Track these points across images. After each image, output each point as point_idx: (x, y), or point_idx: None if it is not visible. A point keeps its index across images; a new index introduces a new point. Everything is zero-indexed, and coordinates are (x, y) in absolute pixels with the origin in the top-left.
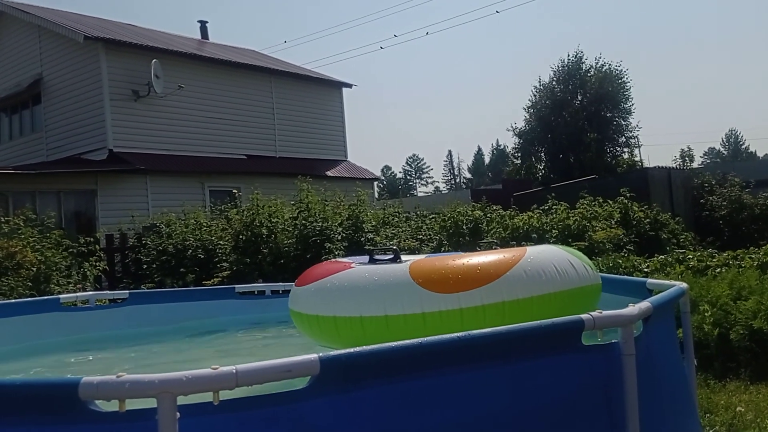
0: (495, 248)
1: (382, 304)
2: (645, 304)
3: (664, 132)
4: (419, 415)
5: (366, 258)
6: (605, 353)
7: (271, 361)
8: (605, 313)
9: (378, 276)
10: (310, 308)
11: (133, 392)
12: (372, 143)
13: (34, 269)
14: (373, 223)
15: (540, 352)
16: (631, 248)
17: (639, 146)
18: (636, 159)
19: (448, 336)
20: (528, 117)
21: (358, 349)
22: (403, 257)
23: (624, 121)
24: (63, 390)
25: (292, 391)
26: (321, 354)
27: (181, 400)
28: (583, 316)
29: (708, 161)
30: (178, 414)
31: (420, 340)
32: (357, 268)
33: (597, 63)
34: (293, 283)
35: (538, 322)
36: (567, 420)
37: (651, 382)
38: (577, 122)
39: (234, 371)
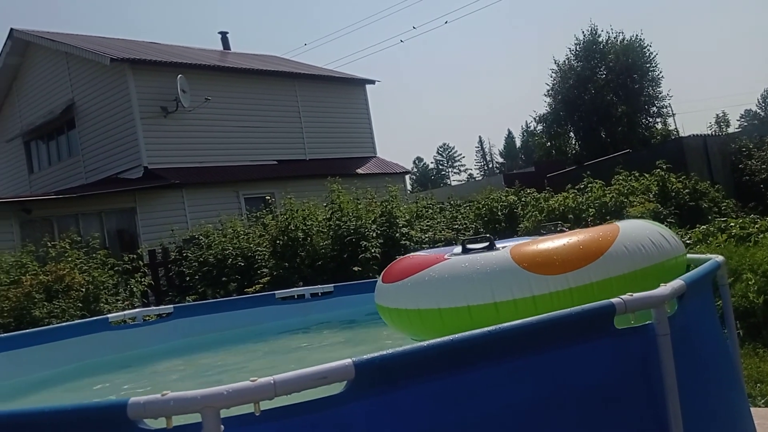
0: (560, 229)
1: (490, 291)
2: (678, 283)
3: (697, 98)
4: (456, 411)
5: (458, 248)
6: (640, 335)
7: (307, 369)
8: (636, 295)
9: (480, 264)
10: (410, 303)
11: (177, 409)
12: (402, 136)
13: (83, 290)
14: (407, 217)
15: (573, 340)
16: (672, 220)
17: (672, 115)
18: (670, 128)
19: (479, 331)
20: (550, 101)
21: (390, 350)
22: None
23: (654, 91)
24: (112, 412)
25: (330, 397)
26: (354, 358)
27: (225, 412)
28: (614, 300)
29: (745, 124)
30: (222, 427)
31: (452, 337)
32: (453, 258)
33: (611, 35)
34: (332, 285)
35: (569, 309)
36: (605, 405)
37: (690, 360)
38: (604, 97)
39: (272, 382)
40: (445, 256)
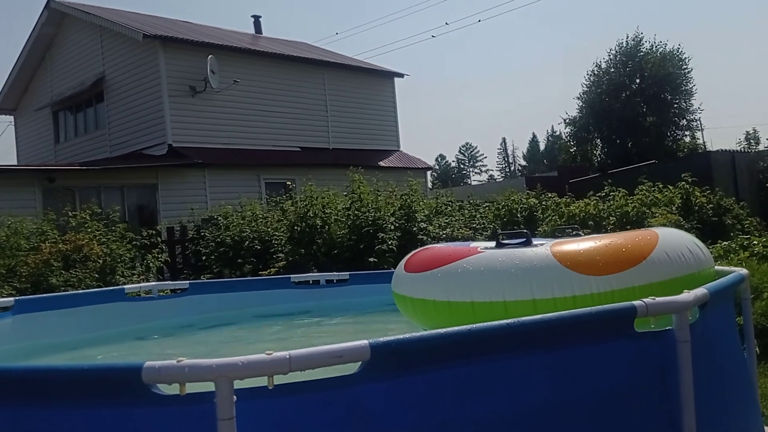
0: (576, 234)
1: (529, 287)
2: (701, 291)
3: (728, 114)
4: (469, 400)
5: (491, 242)
6: (659, 340)
7: (323, 347)
8: (658, 299)
9: (519, 259)
10: (440, 294)
11: (192, 376)
12: (426, 132)
13: (101, 261)
14: (426, 212)
15: (592, 339)
16: (695, 234)
17: (701, 129)
18: (698, 142)
19: (497, 323)
20: (581, 104)
21: (408, 335)
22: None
23: (685, 104)
24: (127, 374)
25: (345, 376)
26: (371, 340)
27: (238, 384)
28: (636, 302)
29: None
30: (235, 397)
31: (469, 326)
32: (489, 252)
33: (655, 44)
34: (348, 273)
35: (590, 308)
36: (620, 407)
37: (708, 369)
38: (635, 106)
39: (288, 356)
40: (479, 249)
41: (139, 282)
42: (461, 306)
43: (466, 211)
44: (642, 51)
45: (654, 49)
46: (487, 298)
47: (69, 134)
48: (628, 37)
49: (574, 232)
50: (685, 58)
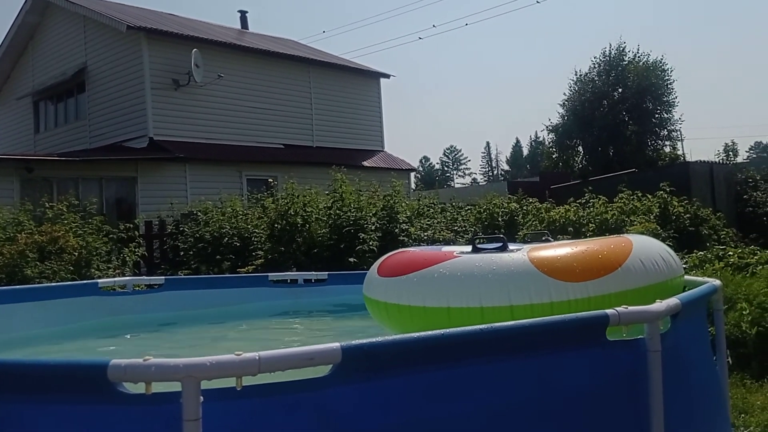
0: (545, 239)
1: (507, 293)
2: (673, 301)
3: (709, 125)
4: (440, 405)
5: (467, 247)
6: (630, 349)
7: (293, 348)
8: (631, 308)
9: (496, 265)
10: (415, 300)
11: (158, 376)
12: (411, 134)
13: (76, 254)
14: (408, 213)
15: (564, 346)
16: (670, 243)
17: (682, 140)
18: (678, 153)
19: (470, 328)
20: (564, 112)
21: (380, 338)
22: (511, 246)
23: (666, 114)
24: (92, 371)
25: (315, 379)
26: (343, 343)
27: (206, 384)
28: (608, 311)
29: (754, 156)
30: (201, 398)
31: (442, 331)
32: (466, 257)
33: (638, 55)
34: (326, 272)
35: (563, 316)
36: (589, 414)
37: (678, 379)
38: (617, 115)
39: (257, 357)
40: (455, 254)
41: (114, 276)
42: (437, 311)
43: (449, 214)
44: (625, 60)
45: (637, 59)
46: (464, 304)
47: (49, 124)
48: (611, 46)
49: (544, 238)
50: (668, 69)
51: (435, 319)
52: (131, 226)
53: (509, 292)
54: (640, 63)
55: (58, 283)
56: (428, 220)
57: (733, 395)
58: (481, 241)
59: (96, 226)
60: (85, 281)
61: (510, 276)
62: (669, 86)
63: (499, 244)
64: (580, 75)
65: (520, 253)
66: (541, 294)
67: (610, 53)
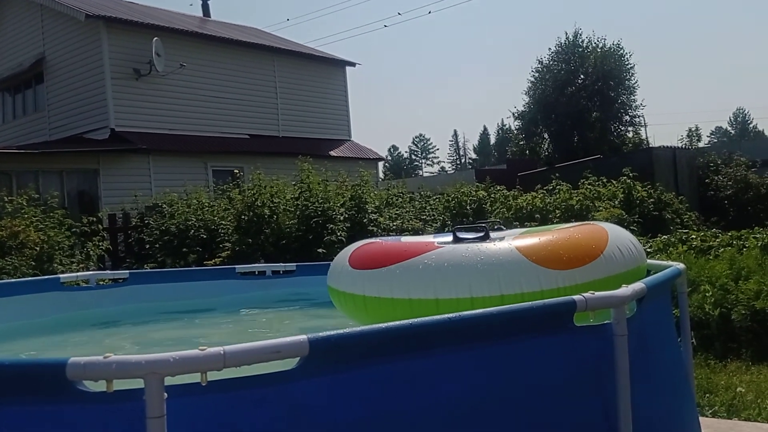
0: (498, 228)
1: (497, 283)
2: (638, 285)
3: (672, 111)
4: (410, 395)
5: (445, 236)
6: (597, 334)
7: (259, 342)
8: (597, 294)
9: (484, 255)
10: (399, 292)
11: (120, 373)
12: (379, 123)
13: (38, 249)
14: (377, 203)
15: (532, 333)
16: (635, 228)
17: (645, 125)
18: (642, 138)
19: (438, 317)
20: (528, 99)
21: (347, 330)
22: (492, 234)
23: (628, 99)
24: (51, 370)
25: (282, 372)
26: (310, 335)
27: (170, 380)
28: (575, 297)
29: (715, 140)
30: (165, 394)
31: (410, 321)
32: (450, 246)
33: (594, 40)
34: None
35: (530, 303)
36: (558, 400)
37: (644, 362)
38: (580, 101)
39: (222, 352)
40: (436, 243)
41: (78, 271)
42: (424, 303)
43: (417, 203)
44: (581, 46)
45: (592, 43)
46: (453, 295)
47: (7, 116)
48: (567, 34)
49: (496, 227)
50: (626, 53)
51: (422, 311)
52: (94, 219)
53: (499, 282)
54: (598, 48)
55: (18, 279)
56: (397, 210)
57: (697, 375)
58: (461, 231)
59: (58, 220)
60: (46, 276)
61: (499, 265)
62: (629, 70)
63: (481, 234)
64: (542, 62)
65: (505, 242)
66: (531, 283)
67: (566, 41)
